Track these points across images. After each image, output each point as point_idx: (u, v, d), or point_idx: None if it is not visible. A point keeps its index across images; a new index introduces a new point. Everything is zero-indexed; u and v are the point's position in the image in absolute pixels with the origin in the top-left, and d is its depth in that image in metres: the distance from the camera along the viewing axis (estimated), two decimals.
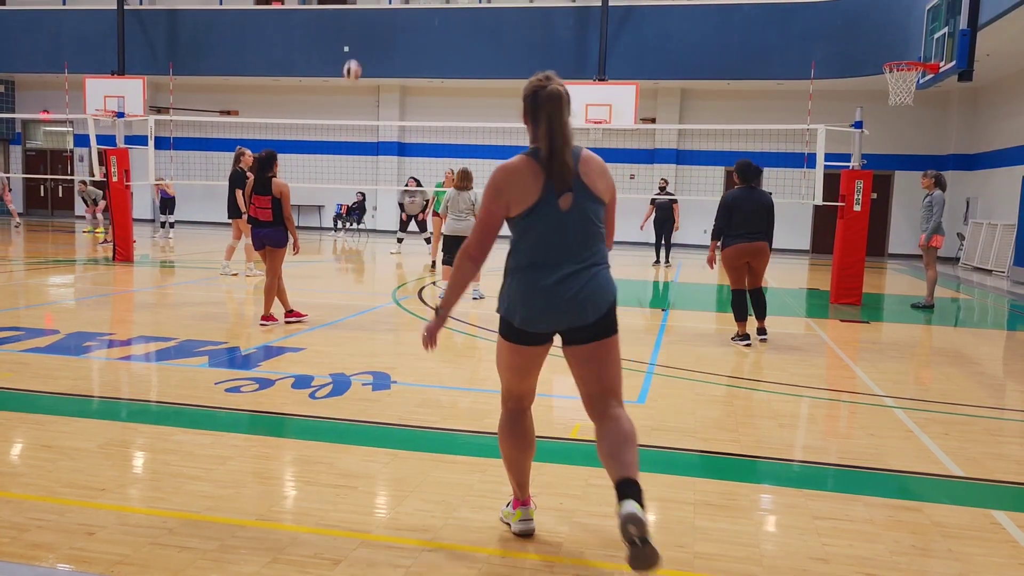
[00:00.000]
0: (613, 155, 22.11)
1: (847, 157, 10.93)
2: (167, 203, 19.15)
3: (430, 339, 3.16)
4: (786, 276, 15.25)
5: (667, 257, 16.41)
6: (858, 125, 10.84)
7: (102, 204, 19.09)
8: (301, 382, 5.63)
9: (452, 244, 9.65)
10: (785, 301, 11.77)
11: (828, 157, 11.07)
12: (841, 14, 18.50)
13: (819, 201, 11.35)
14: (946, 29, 12.26)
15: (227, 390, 5.35)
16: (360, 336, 7.51)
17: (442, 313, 3.15)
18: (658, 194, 16.37)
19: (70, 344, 6.70)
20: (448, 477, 3.89)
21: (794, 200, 19.94)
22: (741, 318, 7.77)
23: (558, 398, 5.63)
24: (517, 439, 3.30)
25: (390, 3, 22.64)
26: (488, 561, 3.03)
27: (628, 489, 2.89)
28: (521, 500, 3.33)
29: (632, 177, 22.18)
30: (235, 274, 11.76)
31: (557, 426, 4.84)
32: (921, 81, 13.01)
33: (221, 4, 23.25)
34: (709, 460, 4.37)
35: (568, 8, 20.81)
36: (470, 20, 21.29)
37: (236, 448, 4.21)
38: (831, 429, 5.17)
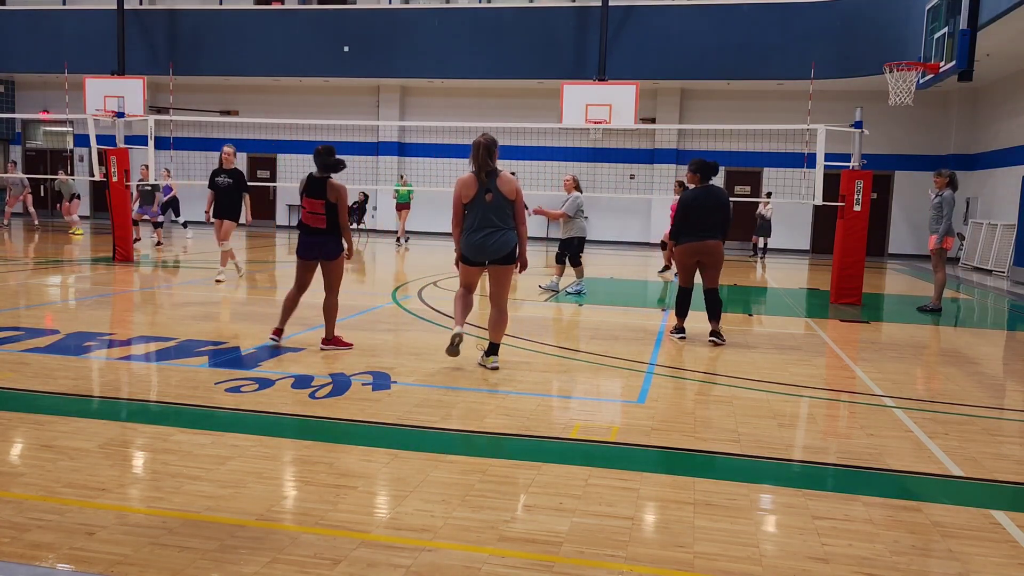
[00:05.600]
0: (613, 155, 22.14)
1: (847, 157, 10.93)
2: (171, 201, 18.71)
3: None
4: (786, 276, 15.26)
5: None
6: (858, 125, 10.83)
7: (77, 203, 18.92)
8: (301, 382, 5.63)
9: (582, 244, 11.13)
10: (785, 301, 11.77)
11: (828, 157, 11.07)
12: (841, 14, 18.50)
13: (819, 201, 11.35)
14: (946, 29, 12.27)
15: (227, 390, 5.35)
16: (360, 336, 7.51)
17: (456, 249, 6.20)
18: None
19: (70, 344, 6.70)
20: (448, 477, 3.89)
21: (794, 200, 19.95)
22: (681, 314, 7.91)
23: (558, 398, 5.63)
24: (464, 303, 6.21)
25: (390, 3, 22.65)
26: (488, 561, 3.03)
27: (493, 348, 6.23)
28: (459, 324, 6.13)
29: (632, 177, 22.18)
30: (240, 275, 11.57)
31: (557, 426, 4.84)
32: (921, 81, 13.02)
33: (221, 4, 23.25)
34: (709, 460, 4.37)
35: (568, 8, 20.81)
36: (470, 20, 21.29)
37: (236, 448, 4.21)
38: (831, 429, 5.17)
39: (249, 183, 11.18)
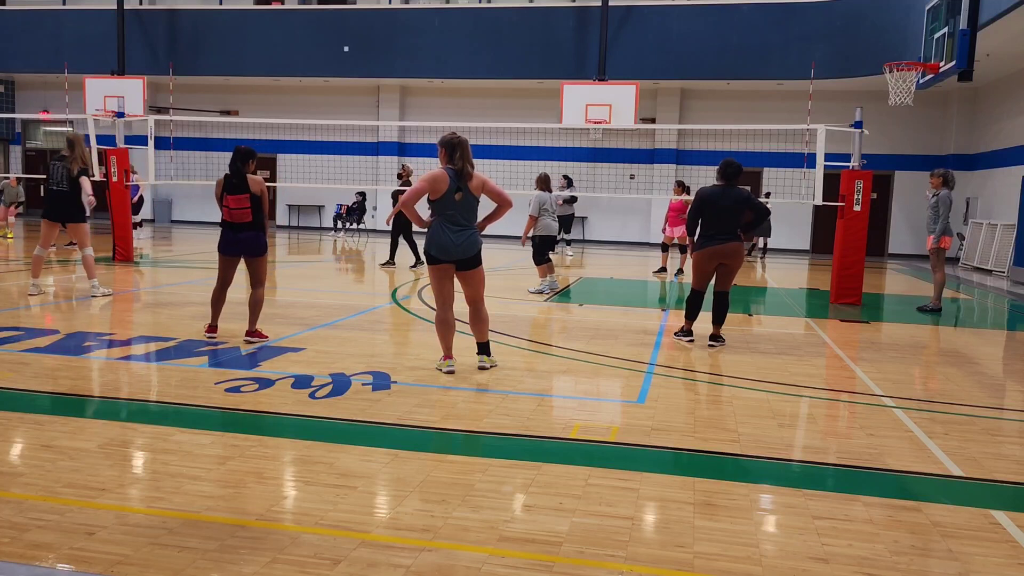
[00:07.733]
0: (613, 155, 22.13)
1: (847, 157, 10.92)
2: (137, 201, 18.42)
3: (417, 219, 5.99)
4: (786, 276, 15.25)
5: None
6: (858, 125, 10.83)
7: (14, 209, 18.42)
8: (301, 382, 5.63)
9: (549, 243, 10.94)
10: (785, 301, 11.77)
11: (828, 157, 11.06)
12: (841, 14, 18.50)
13: (819, 201, 11.35)
14: (946, 29, 12.26)
15: (227, 390, 5.35)
16: (360, 336, 7.51)
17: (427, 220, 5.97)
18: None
19: (70, 344, 6.70)
20: (448, 477, 3.89)
21: (794, 200, 19.94)
22: (691, 316, 7.72)
23: (558, 398, 5.63)
24: (446, 326, 6.06)
25: (390, 3, 22.64)
26: (488, 561, 3.03)
27: (483, 347, 6.22)
28: (447, 356, 6.06)
29: (632, 177, 22.18)
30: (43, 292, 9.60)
31: (557, 426, 4.84)
32: (921, 81, 13.01)
33: (221, 4, 23.25)
34: (709, 460, 4.37)
35: (568, 8, 20.81)
36: (470, 20, 21.29)
37: (236, 448, 4.21)
38: (831, 429, 5.17)
39: None
